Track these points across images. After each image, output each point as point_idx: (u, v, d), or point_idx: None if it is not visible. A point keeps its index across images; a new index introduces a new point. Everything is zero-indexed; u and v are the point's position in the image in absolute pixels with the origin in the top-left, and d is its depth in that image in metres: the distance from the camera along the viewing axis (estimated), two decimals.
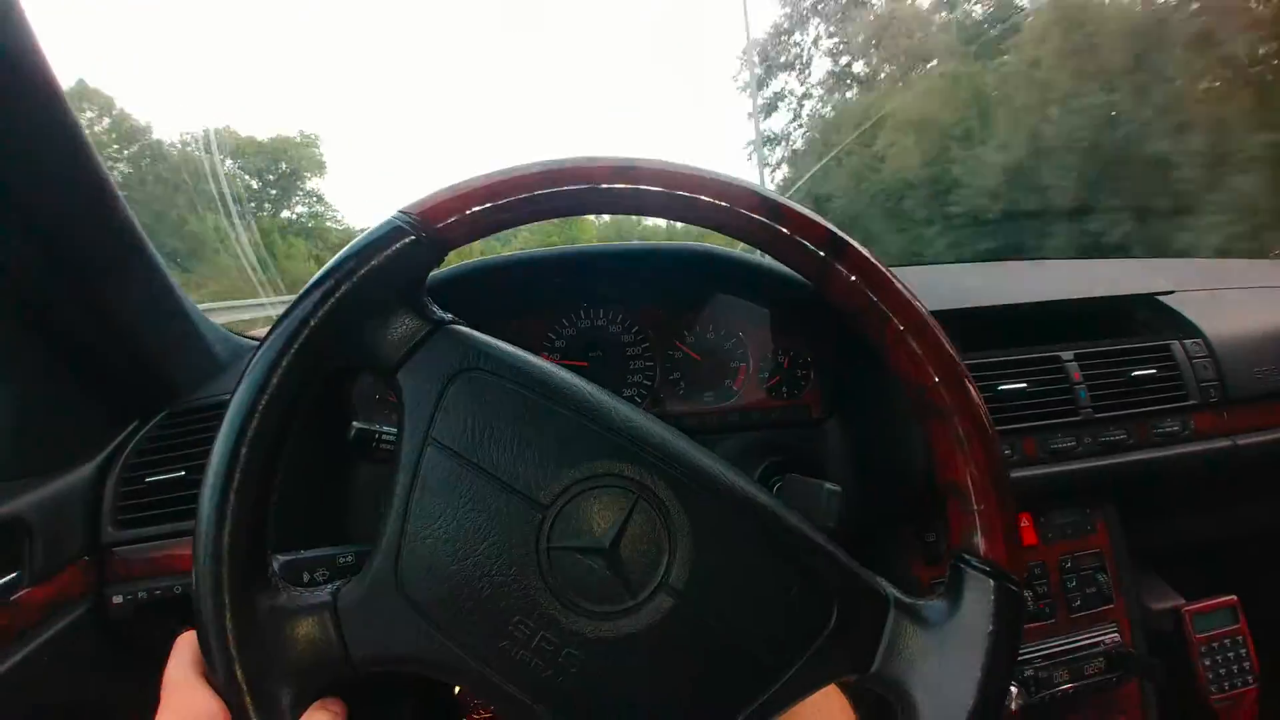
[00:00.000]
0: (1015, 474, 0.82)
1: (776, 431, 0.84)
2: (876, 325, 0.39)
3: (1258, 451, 0.90)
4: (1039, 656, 0.85)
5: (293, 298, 0.38)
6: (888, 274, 0.40)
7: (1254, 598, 0.98)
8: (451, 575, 0.36)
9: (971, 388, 0.39)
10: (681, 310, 0.85)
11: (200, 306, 0.86)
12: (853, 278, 0.39)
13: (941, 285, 1.00)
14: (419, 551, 0.36)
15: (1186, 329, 0.96)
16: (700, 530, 0.37)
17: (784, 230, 0.39)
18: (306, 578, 0.49)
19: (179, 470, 0.75)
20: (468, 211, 0.38)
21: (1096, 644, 0.86)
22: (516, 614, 0.35)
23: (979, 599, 0.37)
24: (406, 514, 0.37)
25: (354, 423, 0.60)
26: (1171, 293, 1.00)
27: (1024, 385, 0.84)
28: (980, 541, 0.38)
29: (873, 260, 0.40)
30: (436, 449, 0.37)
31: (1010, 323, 0.92)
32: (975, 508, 0.38)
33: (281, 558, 0.49)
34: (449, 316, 0.40)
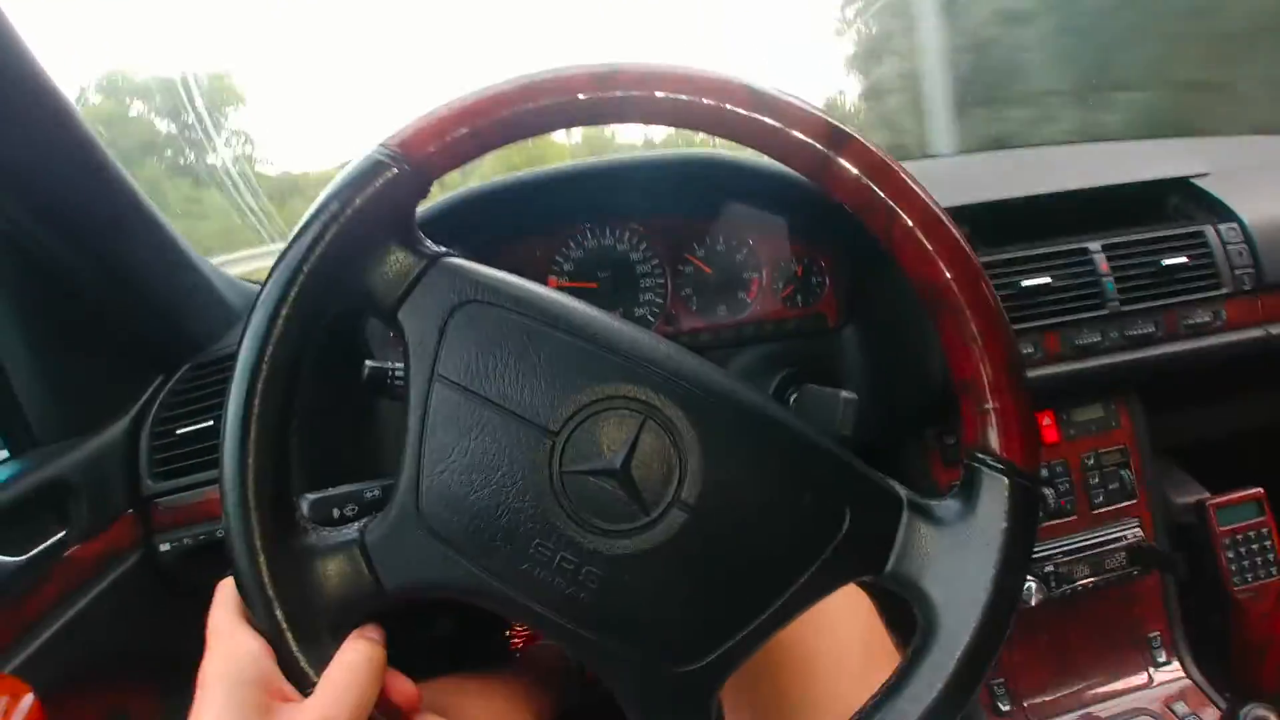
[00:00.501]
0: (1038, 372, 0.81)
1: (793, 342, 0.83)
2: (883, 221, 0.38)
3: None
4: (1060, 552, 0.86)
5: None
6: (894, 166, 0.38)
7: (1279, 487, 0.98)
8: (470, 505, 0.36)
9: (984, 283, 0.38)
10: (690, 222, 0.83)
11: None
12: (855, 171, 0.37)
13: (958, 178, 0.96)
14: (437, 485, 0.37)
15: (1222, 213, 0.91)
16: (709, 446, 0.37)
17: (779, 125, 0.37)
18: (336, 514, 0.51)
19: (207, 420, 0.76)
20: (448, 137, 0.37)
21: (1119, 539, 0.87)
22: (536, 538, 0.36)
23: (994, 497, 0.37)
24: (421, 450, 0.37)
25: (367, 362, 0.61)
26: (1206, 175, 0.95)
27: (1048, 280, 0.81)
28: (994, 439, 0.38)
29: (877, 152, 0.38)
30: (443, 384, 0.37)
31: (1034, 215, 0.88)
32: (990, 405, 0.38)
33: (311, 496, 0.50)
34: (443, 249, 0.39)
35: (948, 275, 0.37)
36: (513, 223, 0.81)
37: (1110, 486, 0.89)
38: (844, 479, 0.38)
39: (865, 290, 0.82)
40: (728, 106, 0.37)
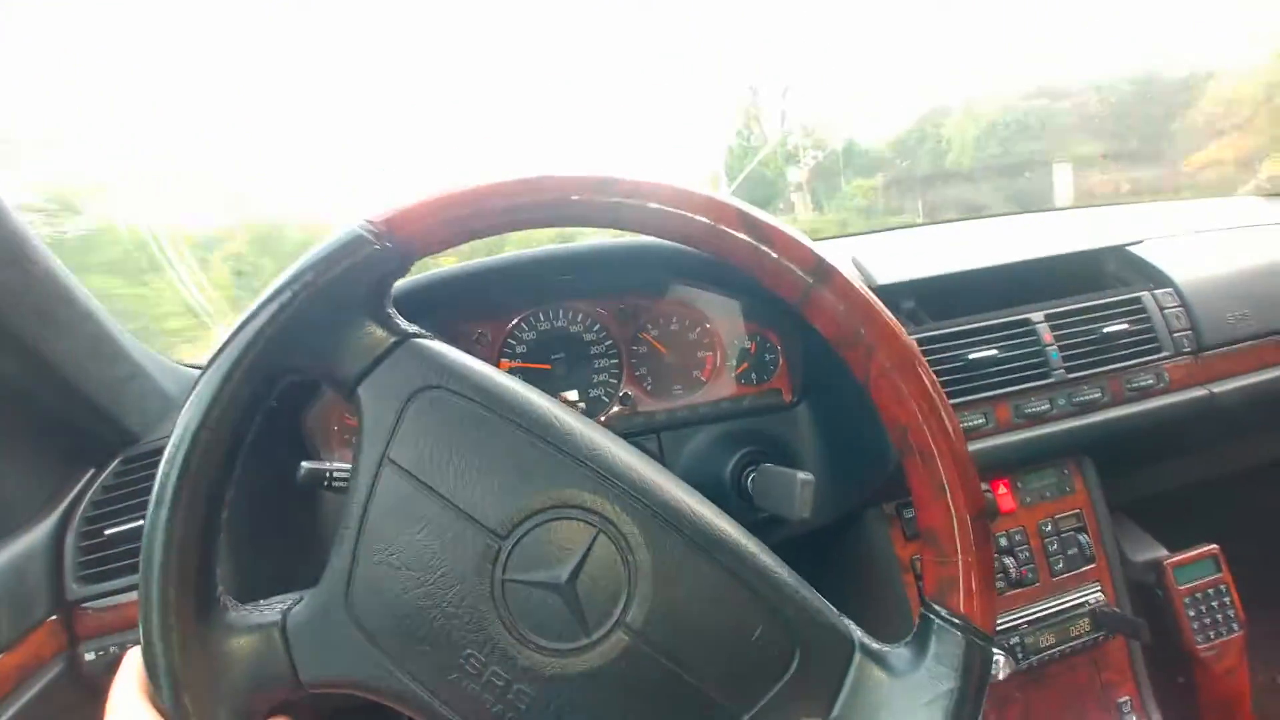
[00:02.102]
0: (990, 442, 0.82)
1: (749, 420, 0.83)
2: (861, 357, 0.38)
3: (1235, 399, 0.90)
4: (1024, 622, 0.85)
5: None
6: (875, 304, 0.38)
7: (1234, 535, 0.99)
8: (403, 603, 0.35)
9: (954, 430, 0.38)
10: (643, 303, 0.83)
11: None
12: (840, 306, 0.38)
13: (900, 251, 0.98)
14: (370, 576, 0.35)
15: (1157, 279, 0.95)
16: (662, 568, 0.36)
17: (769, 252, 0.38)
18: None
19: (138, 520, 0.73)
20: (438, 221, 0.37)
21: (1080, 605, 0.87)
22: (468, 646, 0.35)
23: (947, 653, 0.37)
24: (360, 536, 0.36)
25: (303, 463, 0.59)
26: (1140, 242, 0.99)
27: (994, 352, 0.83)
28: (954, 596, 0.38)
29: (859, 289, 0.38)
30: (393, 470, 0.36)
31: (978, 286, 0.90)
32: (952, 559, 0.38)
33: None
34: (415, 329, 0.39)
35: (919, 418, 0.37)
36: (467, 304, 0.80)
37: (1069, 551, 0.89)
38: (797, 614, 0.37)
39: (819, 367, 0.83)
40: (721, 226, 0.37)
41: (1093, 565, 0.90)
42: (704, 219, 0.37)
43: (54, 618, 0.70)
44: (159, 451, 0.75)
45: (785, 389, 0.83)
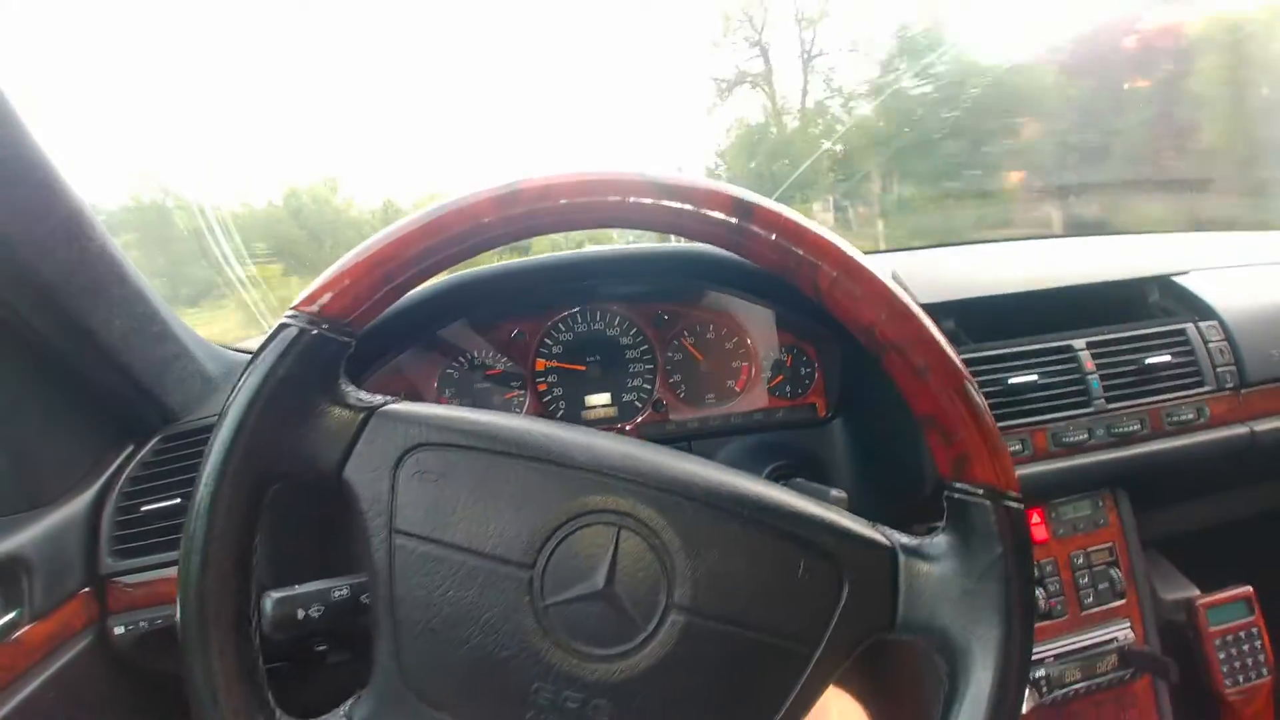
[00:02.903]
0: (1026, 470, 0.80)
1: (782, 433, 0.82)
2: (808, 276, 0.38)
3: (1276, 438, 0.88)
4: (1050, 655, 0.84)
5: None
6: (804, 224, 0.38)
7: (1267, 577, 0.97)
8: (458, 662, 0.35)
9: (921, 318, 0.38)
10: (680, 310, 0.83)
11: None
12: (771, 235, 0.38)
13: (939, 272, 0.97)
14: (418, 650, 0.35)
15: (1202, 311, 0.93)
16: (691, 540, 0.36)
17: (687, 207, 0.37)
18: (301, 614, 0.49)
19: (174, 498, 0.74)
20: (361, 289, 0.37)
21: (1109, 641, 0.85)
22: (534, 680, 0.34)
23: (981, 524, 0.37)
24: (394, 616, 0.35)
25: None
26: (1186, 273, 0.97)
27: (1035, 377, 0.82)
28: (969, 468, 0.38)
29: (785, 214, 0.38)
30: (404, 540, 0.36)
31: (1019, 310, 0.89)
32: (956, 434, 0.38)
33: (275, 594, 0.48)
34: (379, 399, 0.39)
35: (882, 314, 0.37)
36: (504, 303, 0.81)
37: (1100, 586, 0.87)
38: (832, 539, 0.37)
39: (855, 383, 0.82)
40: (631, 199, 0.37)
41: (1123, 601, 0.88)
42: (613, 198, 0.37)
43: (87, 590, 0.71)
44: (198, 431, 0.78)
45: (820, 404, 0.83)
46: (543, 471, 0.36)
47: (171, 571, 0.72)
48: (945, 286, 0.88)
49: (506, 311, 0.81)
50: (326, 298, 0.37)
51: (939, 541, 0.38)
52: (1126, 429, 0.84)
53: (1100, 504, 0.90)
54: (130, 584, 0.72)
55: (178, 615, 0.35)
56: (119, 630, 0.71)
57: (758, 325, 0.83)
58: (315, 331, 0.36)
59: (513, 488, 0.36)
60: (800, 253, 0.38)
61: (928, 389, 0.38)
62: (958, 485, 0.38)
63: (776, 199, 0.39)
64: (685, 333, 0.82)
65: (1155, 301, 0.96)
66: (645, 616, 0.35)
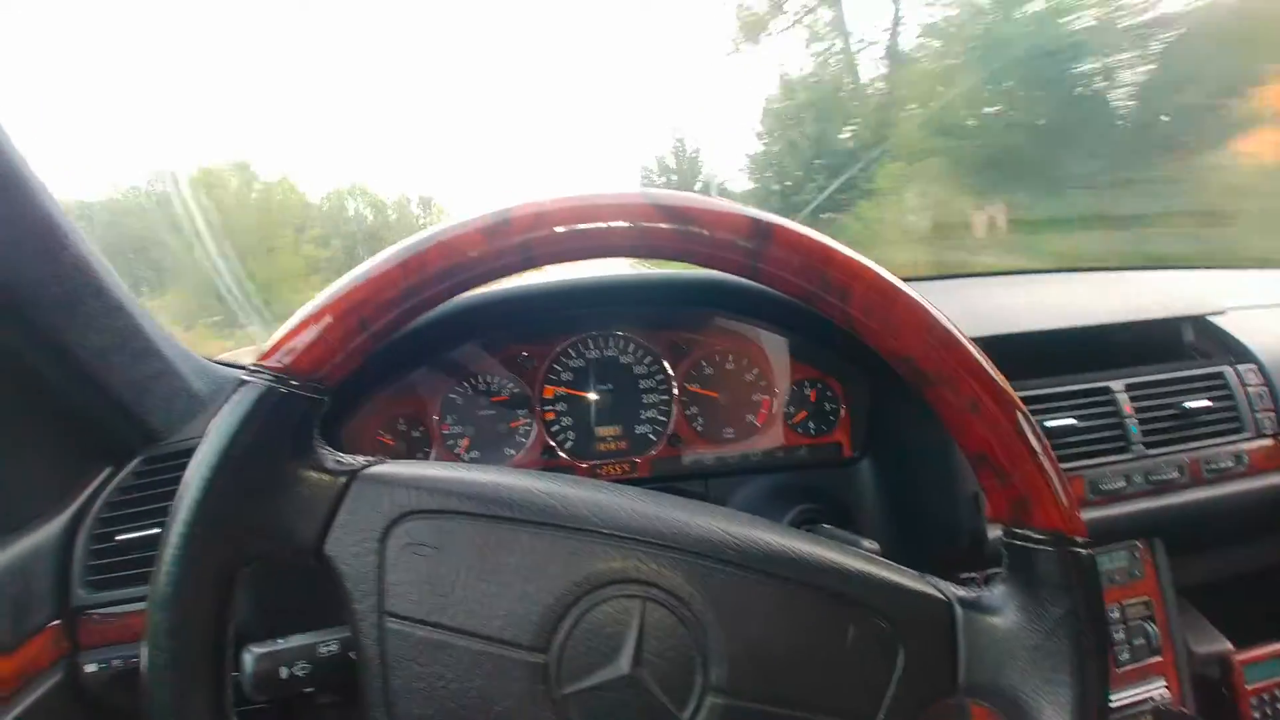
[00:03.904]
0: None
1: (805, 473, 0.78)
2: (837, 301, 0.34)
3: None
4: None
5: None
6: (831, 245, 0.34)
7: None
8: None
9: (968, 345, 0.34)
10: (698, 339, 0.79)
11: None
12: (794, 259, 0.34)
13: (974, 304, 0.93)
14: None
15: (1240, 353, 0.90)
16: (725, 611, 0.32)
17: (701, 232, 0.33)
18: (285, 673, 0.44)
19: (153, 526, 0.69)
20: (333, 340, 0.33)
21: (1144, 700, 0.81)
22: None
23: (1047, 575, 0.33)
24: (391, 709, 0.31)
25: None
26: (1221, 312, 0.93)
27: (1073, 420, 0.78)
28: (1029, 512, 0.34)
29: (810, 235, 0.34)
30: (397, 624, 0.31)
31: (1051, 347, 0.85)
32: (1012, 474, 0.34)
33: (256, 649, 0.43)
34: (360, 461, 0.34)
35: (924, 345, 0.34)
36: (513, 324, 0.76)
37: (1135, 641, 0.83)
38: (881, 598, 0.33)
39: (883, 421, 0.78)
40: (634, 224, 0.33)
41: (1159, 658, 0.83)
42: (615, 223, 0.33)
43: (56, 623, 0.66)
44: (181, 454, 0.73)
45: (846, 443, 0.78)
46: (550, 538, 0.32)
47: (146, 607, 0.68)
48: (973, 320, 0.84)
49: (515, 334, 0.76)
50: (294, 350, 0.32)
51: (999, 593, 0.35)
52: (1165, 476, 0.80)
53: (1136, 554, 0.85)
54: (104, 618, 0.67)
55: (147, 703, 0.31)
56: (91, 668, 0.66)
57: (781, 357, 0.79)
58: (283, 390, 0.32)
59: (518, 558, 0.32)
60: (828, 277, 0.34)
61: (979, 424, 0.34)
62: (1018, 531, 0.34)
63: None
64: (704, 362, 0.78)
65: (1190, 341, 0.93)
66: (679, 702, 0.31)
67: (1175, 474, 0.80)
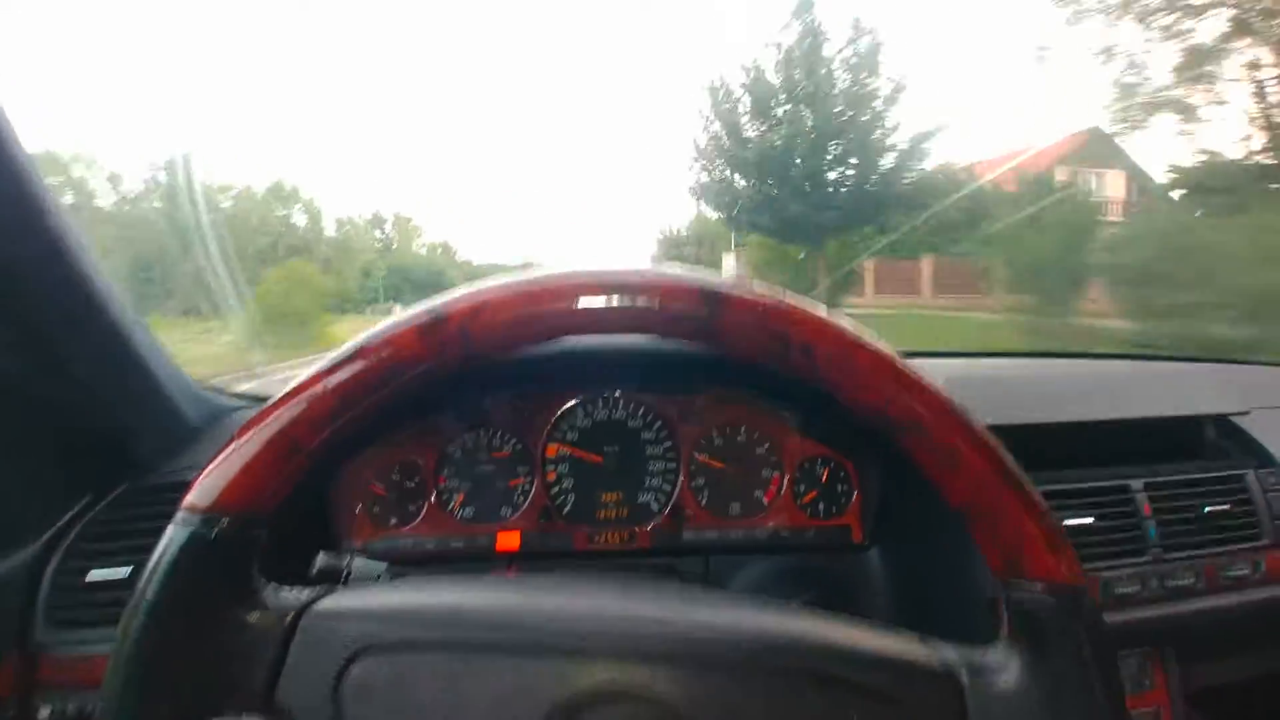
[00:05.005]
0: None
1: (812, 557, 0.74)
2: (799, 357, 0.33)
3: None
4: None
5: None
6: (788, 302, 0.33)
7: None
8: None
9: (937, 389, 0.33)
10: (709, 407, 0.76)
11: None
12: (748, 319, 0.33)
13: (987, 389, 0.90)
14: None
15: (1261, 456, 0.87)
16: (718, 717, 0.30)
17: (650, 305, 0.32)
18: None
19: (126, 566, 0.66)
20: (260, 470, 0.31)
21: None
22: None
23: (1050, 626, 0.32)
24: None
25: (320, 554, 0.50)
26: (1245, 413, 0.91)
27: (1092, 520, 0.75)
28: (1022, 561, 0.33)
29: (763, 295, 0.33)
30: None
31: (1070, 439, 0.83)
32: (1002, 523, 0.33)
33: None
34: (305, 595, 0.31)
35: (891, 391, 0.33)
36: (521, 381, 0.74)
37: None
38: (884, 675, 0.31)
39: (897, 506, 0.75)
40: (578, 304, 0.32)
41: None
42: (559, 305, 0.32)
43: (15, 658, 0.63)
44: (167, 488, 0.69)
45: (857, 527, 0.75)
46: (521, 659, 0.29)
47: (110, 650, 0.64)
48: (985, 408, 0.81)
49: (521, 389, 0.74)
50: (221, 486, 0.30)
51: (1003, 650, 0.33)
52: (1181, 583, 0.77)
53: (1146, 662, 0.82)
54: (63, 659, 0.64)
55: None
56: (44, 713, 0.62)
57: (793, 432, 0.76)
58: (214, 533, 0.30)
59: (493, 688, 0.29)
60: (789, 336, 0.33)
61: (958, 475, 0.33)
62: (1013, 582, 0.33)
63: None
64: (714, 432, 0.75)
65: (1210, 440, 0.90)
66: None
67: (1191, 580, 0.78)
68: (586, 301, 0.32)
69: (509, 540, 0.73)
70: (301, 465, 0.32)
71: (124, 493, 0.70)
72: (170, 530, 0.30)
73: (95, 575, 0.65)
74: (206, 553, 0.30)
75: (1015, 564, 0.33)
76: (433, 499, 0.73)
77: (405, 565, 0.72)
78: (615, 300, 0.32)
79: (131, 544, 0.66)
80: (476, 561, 0.73)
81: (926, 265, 11.36)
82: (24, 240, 0.56)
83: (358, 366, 0.32)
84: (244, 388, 0.88)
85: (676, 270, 0.34)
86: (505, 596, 0.32)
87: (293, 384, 0.32)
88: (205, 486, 0.31)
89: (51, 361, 0.62)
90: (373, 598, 0.32)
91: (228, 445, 0.32)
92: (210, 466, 0.32)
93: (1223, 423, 0.90)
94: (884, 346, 0.35)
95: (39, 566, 0.65)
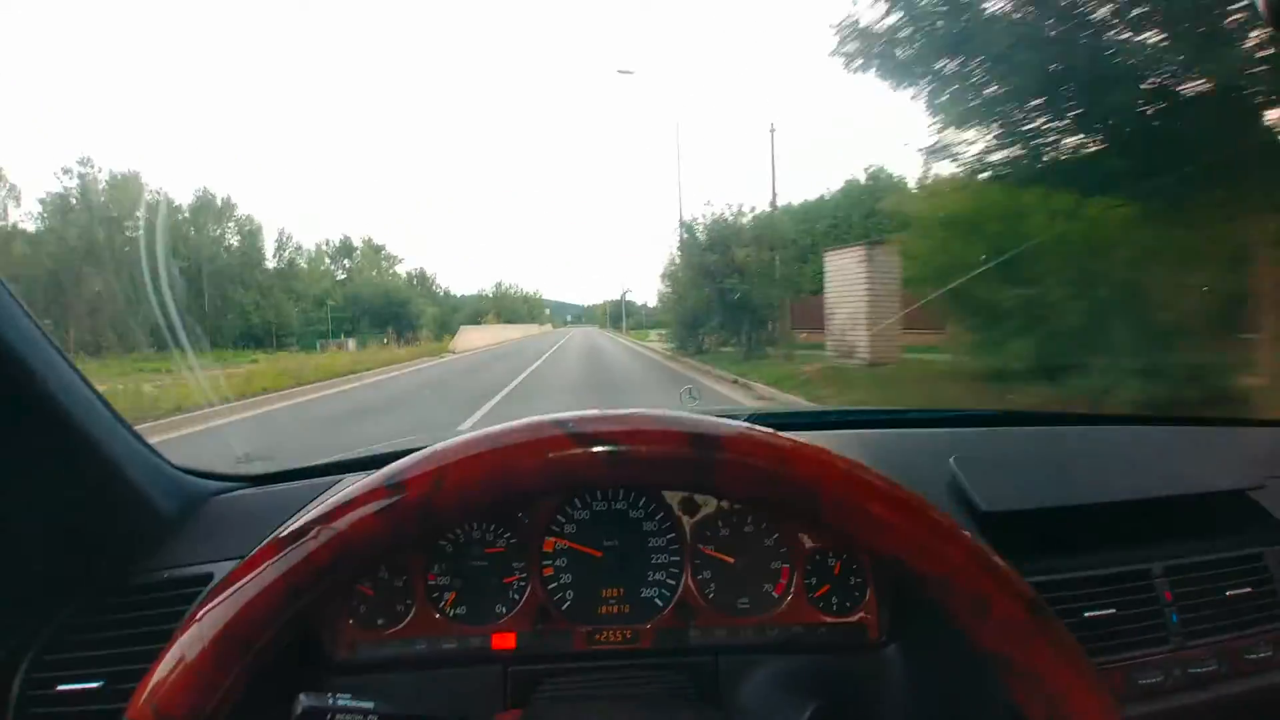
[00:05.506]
0: None
1: (825, 657, 0.71)
2: (807, 503, 0.31)
3: None
4: None
5: None
6: (784, 442, 0.31)
7: None
8: None
9: (964, 537, 0.31)
10: (715, 497, 0.72)
11: None
12: (746, 461, 0.31)
13: (992, 474, 0.88)
14: None
15: (1277, 532, 0.85)
16: None
17: (634, 451, 0.30)
18: None
19: (99, 679, 0.61)
20: (206, 673, 0.29)
21: None
22: None
23: None
24: None
25: (301, 697, 0.47)
26: (1261, 487, 0.89)
27: (1113, 611, 0.72)
28: (1063, 712, 0.31)
29: (757, 435, 0.31)
30: None
31: (1082, 520, 0.80)
32: (1038, 677, 0.31)
33: None
34: None
35: (917, 543, 0.31)
36: None
37: None
38: None
39: (913, 603, 0.71)
40: (550, 457, 0.30)
41: None
42: (532, 461, 0.30)
43: None
44: (141, 590, 0.65)
45: (871, 624, 0.71)
46: None
47: None
48: (990, 488, 0.78)
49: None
50: (165, 696, 0.28)
51: None
52: (1205, 669, 0.74)
53: None
54: None
55: None
56: None
57: (804, 524, 0.72)
58: None
59: None
60: (788, 473, 0.31)
61: (991, 620, 0.31)
62: None
63: None
64: (719, 522, 0.72)
65: (1227, 516, 0.88)
66: None
67: (1215, 665, 0.75)
68: (558, 455, 0.30)
69: (504, 641, 0.69)
70: (254, 663, 0.29)
71: (91, 598, 0.65)
72: None
73: (66, 687, 0.60)
74: None
75: (1056, 713, 0.31)
76: (422, 598, 0.68)
77: (395, 670, 0.68)
78: (591, 452, 0.30)
79: (102, 654, 0.62)
80: (470, 665, 0.68)
81: None
82: None
83: (307, 548, 0.29)
84: (223, 469, 0.84)
85: (662, 413, 0.31)
86: None
87: (240, 583, 0.29)
88: (147, 696, 0.28)
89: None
90: None
91: (174, 641, 0.29)
92: (155, 669, 0.29)
93: (1238, 498, 0.88)
94: (901, 486, 0.32)
95: (7, 675, 0.61)
